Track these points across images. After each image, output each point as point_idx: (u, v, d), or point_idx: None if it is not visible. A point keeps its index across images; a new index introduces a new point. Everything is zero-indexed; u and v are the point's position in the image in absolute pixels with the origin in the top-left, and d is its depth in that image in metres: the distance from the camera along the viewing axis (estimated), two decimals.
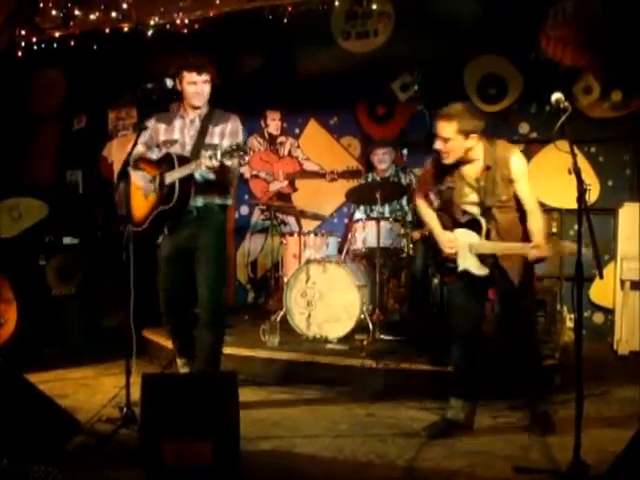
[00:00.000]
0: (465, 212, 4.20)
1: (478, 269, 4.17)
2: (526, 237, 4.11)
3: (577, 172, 3.50)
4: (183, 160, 4.49)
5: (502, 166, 4.06)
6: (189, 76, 4.59)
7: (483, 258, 4.14)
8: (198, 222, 4.64)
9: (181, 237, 4.68)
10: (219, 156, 4.20)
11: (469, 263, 4.18)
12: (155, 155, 4.76)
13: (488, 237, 4.13)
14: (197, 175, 4.53)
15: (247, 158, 4.34)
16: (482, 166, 4.10)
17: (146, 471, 3.32)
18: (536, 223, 4.07)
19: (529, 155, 7.28)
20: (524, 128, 7.51)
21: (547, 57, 6.91)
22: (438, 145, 4.08)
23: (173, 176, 4.45)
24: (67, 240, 7.50)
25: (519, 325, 4.30)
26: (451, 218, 4.29)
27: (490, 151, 4.10)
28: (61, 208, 8.29)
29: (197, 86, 4.61)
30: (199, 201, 4.62)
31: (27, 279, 6.82)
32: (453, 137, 4.02)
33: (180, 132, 4.71)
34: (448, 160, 4.11)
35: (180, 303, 4.81)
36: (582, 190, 3.43)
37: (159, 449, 3.30)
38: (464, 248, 4.18)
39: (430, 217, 4.39)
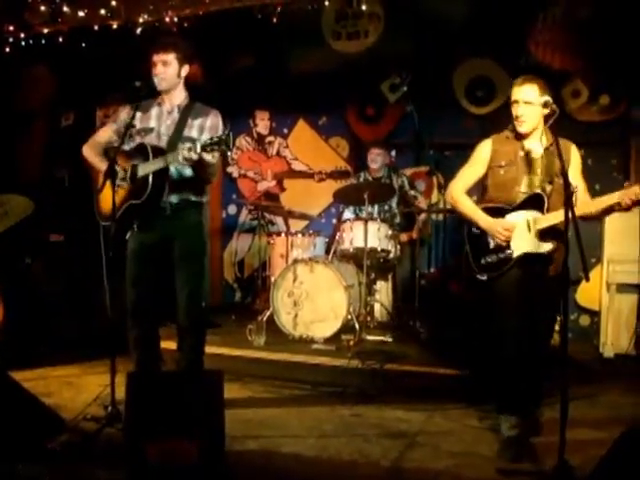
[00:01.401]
0: (522, 192, 4.04)
1: (539, 247, 3.91)
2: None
3: (564, 175, 3.52)
4: (158, 152, 4.23)
5: (564, 150, 3.90)
6: (152, 58, 4.37)
7: (544, 235, 3.91)
8: (171, 220, 4.38)
9: (152, 235, 4.40)
10: (199, 149, 3.92)
11: (527, 245, 3.94)
12: (128, 145, 4.44)
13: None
14: (172, 169, 4.28)
15: (230, 154, 4.09)
16: (545, 144, 4.03)
17: (130, 471, 3.30)
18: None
19: None
20: None
21: (536, 60, 6.95)
22: (519, 111, 3.99)
23: (146, 169, 4.20)
24: (53, 237, 7.46)
25: (543, 328, 4.03)
26: (501, 204, 4.08)
27: (551, 135, 4.00)
28: (48, 205, 8.24)
29: (157, 67, 4.36)
30: (173, 197, 4.36)
31: (13, 277, 6.78)
32: (535, 102, 3.94)
33: (157, 120, 4.46)
34: (523, 128, 4.01)
35: (147, 307, 4.50)
36: (570, 193, 3.44)
37: (143, 448, 3.28)
38: (520, 229, 3.96)
39: (473, 208, 4.16)
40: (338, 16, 7.66)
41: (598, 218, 4.13)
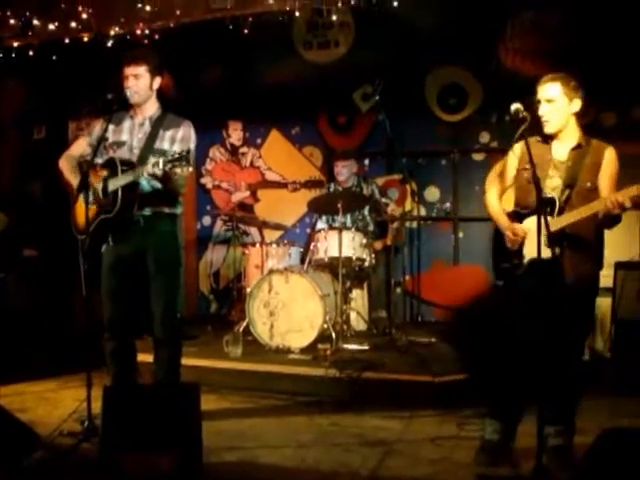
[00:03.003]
0: (541, 195, 3.75)
1: (544, 252, 3.60)
2: (596, 240, 3.92)
3: (536, 182, 3.53)
4: (127, 166, 4.23)
5: (594, 152, 3.86)
6: (123, 71, 4.37)
7: (553, 240, 3.71)
8: (145, 232, 4.37)
9: (126, 247, 4.39)
10: (161, 165, 3.94)
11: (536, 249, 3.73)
12: (101, 159, 4.42)
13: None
14: (144, 183, 4.28)
15: (190, 169, 4.06)
16: (573, 145, 3.92)
17: None
18: None
19: (489, 164, 7.38)
20: (485, 137, 7.62)
21: (506, 67, 7.00)
22: (542, 110, 3.88)
23: (116, 183, 4.19)
24: (27, 252, 7.41)
25: (565, 342, 3.79)
26: (523, 208, 4.00)
27: (584, 136, 3.93)
28: (21, 219, 8.18)
29: (128, 80, 4.35)
30: (146, 210, 4.35)
31: None
32: (558, 98, 3.85)
33: (129, 134, 4.46)
34: (550, 128, 3.90)
35: (124, 319, 4.48)
36: (541, 199, 3.46)
37: (120, 461, 3.27)
38: (533, 234, 3.73)
39: (498, 212, 4.09)
40: (309, 26, 7.68)
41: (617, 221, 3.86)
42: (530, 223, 3.88)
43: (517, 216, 4.01)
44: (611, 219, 3.77)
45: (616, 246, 6.20)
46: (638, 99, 6.79)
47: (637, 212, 6.42)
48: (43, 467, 3.76)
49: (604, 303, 6.35)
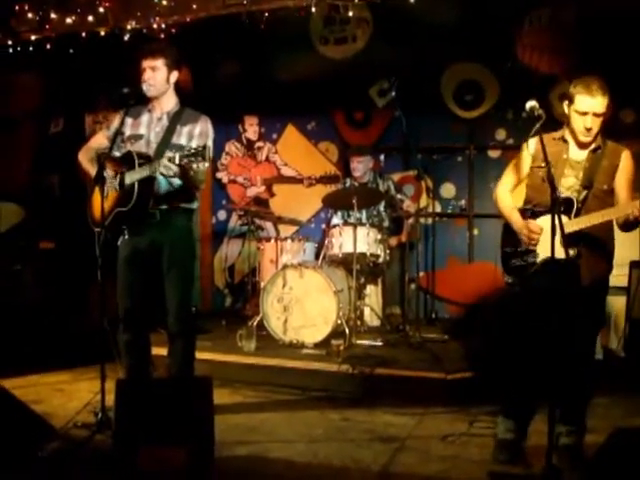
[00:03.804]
0: (555, 194, 3.71)
1: (561, 252, 3.64)
2: (610, 241, 3.92)
3: (551, 180, 3.51)
4: (144, 159, 4.24)
5: (612, 154, 3.84)
6: (141, 64, 4.38)
7: (570, 241, 3.66)
8: (161, 226, 4.39)
9: (142, 241, 4.41)
10: (177, 160, 3.97)
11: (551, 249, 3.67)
12: (119, 152, 4.46)
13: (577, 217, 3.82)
14: (161, 180, 4.29)
15: (207, 165, 4.05)
16: (593, 147, 3.87)
17: (120, 477, 3.31)
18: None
19: (505, 161, 7.32)
20: (501, 134, 7.58)
21: (523, 64, 6.98)
22: (590, 123, 3.76)
23: (132, 177, 4.20)
24: (43, 244, 7.46)
25: (580, 343, 3.84)
26: (537, 206, 3.96)
27: (601, 137, 3.89)
28: (37, 212, 8.24)
29: (145, 73, 4.35)
30: (162, 204, 4.36)
31: (3, 285, 6.77)
32: (606, 112, 3.79)
33: (146, 128, 4.47)
34: (589, 139, 3.83)
35: (139, 312, 4.50)
36: (555, 198, 3.44)
37: (133, 455, 3.29)
38: (547, 233, 3.66)
39: (510, 209, 4.05)
40: (326, 21, 7.69)
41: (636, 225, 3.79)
42: (545, 222, 3.84)
43: (529, 214, 3.98)
44: (632, 224, 3.74)
45: (629, 245, 6.21)
46: None
47: None
48: (58, 458, 3.78)
49: (618, 302, 6.33)
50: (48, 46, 6.76)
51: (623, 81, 6.56)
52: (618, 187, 3.85)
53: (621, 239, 6.13)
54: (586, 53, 6.60)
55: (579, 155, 3.91)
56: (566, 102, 3.89)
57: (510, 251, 4.03)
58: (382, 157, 7.97)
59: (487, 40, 6.80)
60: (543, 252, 3.85)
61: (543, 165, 3.77)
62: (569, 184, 3.91)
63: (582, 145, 3.89)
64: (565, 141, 3.96)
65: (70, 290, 7.18)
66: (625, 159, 3.87)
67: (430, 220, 7.52)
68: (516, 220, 3.98)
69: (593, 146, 3.88)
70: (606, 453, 3.03)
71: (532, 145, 4.04)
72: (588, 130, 3.79)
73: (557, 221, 3.41)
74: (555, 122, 3.91)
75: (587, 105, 3.76)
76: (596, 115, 3.77)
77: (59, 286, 7.19)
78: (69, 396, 5.28)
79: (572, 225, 3.73)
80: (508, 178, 4.19)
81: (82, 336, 6.30)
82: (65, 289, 7.19)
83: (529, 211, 4.00)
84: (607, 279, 3.98)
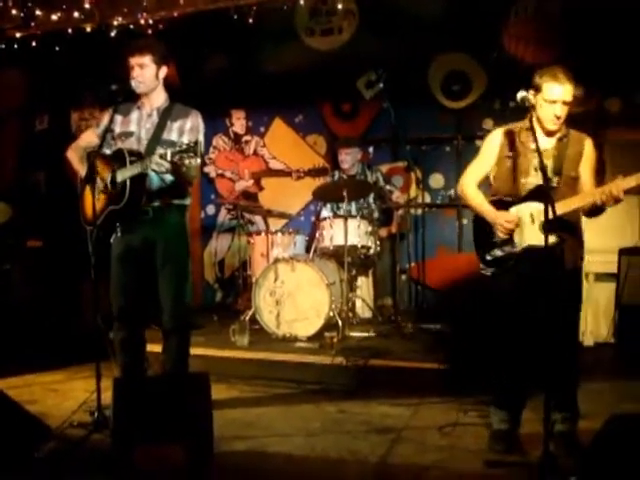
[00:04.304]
0: (528, 184, 3.91)
1: (543, 240, 3.62)
2: (581, 226, 3.97)
3: (543, 170, 3.54)
4: (135, 157, 4.22)
5: (576, 142, 3.88)
6: (128, 61, 4.36)
7: (549, 226, 3.66)
8: (154, 223, 4.38)
9: (135, 238, 4.41)
10: (169, 156, 3.95)
11: (531, 237, 3.81)
12: (109, 149, 4.46)
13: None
14: (153, 176, 4.28)
15: (199, 160, 4.05)
16: (560, 135, 3.92)
17: (119, 476, 3.31)
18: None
19: None
20: (488, 124, 7.58)
21: (509, 54, 6.99)
22: (559, 111, 3.80)
23: (124, 174, 4.18)
24: (31, 243, 7.43)
25: (565, 328, 3.84)
26: (507, 197, 3.97)
27: (565, 127, 3.93)
28: (24, 210, 8.20)
29: (134, 71, 4.33)
30: (155, 201, 4.36)
31: None
32: (572, 100, 3.83)
33: (137, 125, 4.46)
34: (557, 127, 3.87)
35: (133, 309, 4.50)
36: (547, 187, 3.46)
37: (132, 453, 3.29)
38: (524, 222, 3.85)
39: (480, 201, 4.03)
40: (312, 13, 7.67)
41: (601, 211, 3.88)
42: (519, 211, 3.91)
43: (503, 204, 3.97)
44: (598, 210, 3.82)
45: (618, 232, 6.26)
46: None
47: (638, 197, 6.46)
48: (55, 458, 3.78)
49: (608, 289, 6.38)
50: (34, 43, 6.71)
51: (608, 71, 6.65)
52: (584, 174, 3.92)
53: (611, 227, 6.23)
54: (571, 43, 6.63)
55: (546, 144, 3.94)
56: (532, 92, 3.90)
57: (485, 243, 4.01)
58: (371, 149, 7.98)
59: (474, 31, 6.80)
60: (524, 240, 3.87)
61: (511, 155, 3.93)
62: (536, 173, 3.91)
63: (549, 134, 3.94)
64: (531, 130, 3.94)
65: (61, 289, 7.15)
66: (588, 146, 3.95)
67: (420, 211, 7.54)
68: (489, 212, 3.98)
69: (559, 135, 3.93)
70: (603, 439, 3.04)
71: (498, 136, 4.07)
72: (558, 118, 3.84)
73: (550, 209, 3.44)
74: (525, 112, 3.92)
75: (556, 93, 3.81)
76: (565, 103, 3.83)
77: (49, 285, 7.15)
78: (63, 396, 5.26)
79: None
80: (474, 171, 4.18)
81: (75, 335, 6.31)
82: (55, 288, 7.15)
83: (498, 202, 4.00)
84: (582, 263, 4.03)
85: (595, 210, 3.83)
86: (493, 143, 4.09)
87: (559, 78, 3.80)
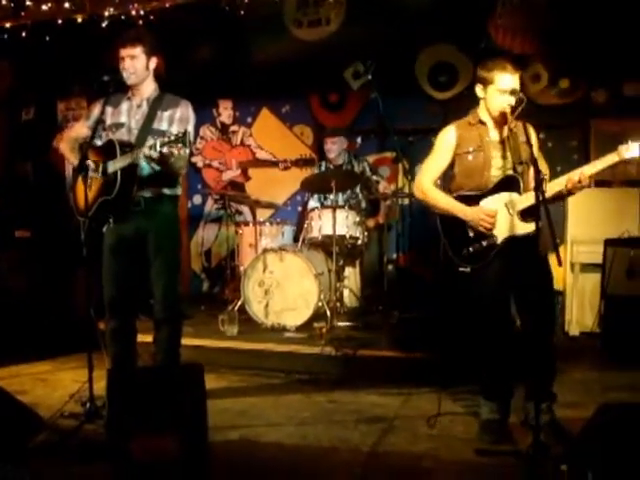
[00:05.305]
0: (493, 176, 3.96)
1: (523, 228, 3.81)
2: None
3: (534, 162, 3.58)
4: (126, 147, 4.24)
5: (523, 130, 3.84)
6: (119, 52, 4.36)
7: (526, 216, 3.82)
8: (146, 214, 4.38)
9: (127, 228, 4.40)
10: (158, 146, 3.96)
11: (511, 228, 3.86)
12: (100, 141, 4.50)
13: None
14: (143, 164, 4.29)
15: (187, 151, 4.08)
16: (506, 128, 3.97)
17: (114, 467, 3.32)
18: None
19: None
20: None
21: (496, 45, 7.01)
22: (513, 101, 3.84)
23: (115, 165, 4.20)
24: (19, 233, 7.39)
25: (543, 313, 3.90)
26: (472, 191, 4.00)
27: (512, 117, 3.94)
28: (12, 201, 8.15)
29: (124, 62, 4.33)
30: (146, 191, 4.37)
31: None
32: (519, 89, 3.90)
33: (127, 115, 4.45)
34: (513, 116, 3.87)
35: (125, 300, 4.50)
36: (539, 179, 3.50)
37: (127, 444, 3.30)
38: (501, 214, 3.88)
39: (446, 199, 4.04)
40: (299, 4, 7.66)
41: (562, 199, 4.04)
42: (492, 203, 3.93)
43: (469, 199, 3.99)
44: (566, 195, 3.92)
45: (604, 223, 6.32)
46: (629, 76, 6.82)
47: (625, 190, 6.52)
48: (48, 449, 3.80)
49: (593, 279, 6.45)
50: (24, 34, 6.65)
51: (594, 61, 6.69)
52: (539, 159, 3.89)
53: (596, 218, 6.29)
54: (558, 34, 6.67)
55: (497, 135, 4.02)
56: (480, 85, 4.02)
57: (461, 241, 4.00)
58: (359, 139, 8.00)
59: (461, 22, 6.82)
60: (502, 233, 3.90)
61: (471, 150, 3.98)
62: (498, 165, 4.01)
63: (499, 125, 4.00)
64: (483, 123, 4.05)
65: (49, 279, 7.12)
66: (533, 132, 3.99)
67: (407, 200, 7.56)
68: (462, 208, 3.98)
69: (510, 125, 3.97)
70: (593, 429, 3.09)
71: (452, 132, 4.11)
72: (512, 107, 3.86)
73: (545, 205, 3.49)
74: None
75: (509, 83, 3.88)
76: (515, 92, 3.89)
77: (38, 275, 7.12)
78: (53, 386, 5.27)
79: (529, 199, 3.77)
80: (430, 170, 4.19)
81: (63, 325, 6.30)
82: (44, 278, 7.12)
83: (463, 197, 4.02)
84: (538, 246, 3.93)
85: (564, 195, 3.90)
86: (448, 140, 4.11)
87: (509, 68, 3.89)
